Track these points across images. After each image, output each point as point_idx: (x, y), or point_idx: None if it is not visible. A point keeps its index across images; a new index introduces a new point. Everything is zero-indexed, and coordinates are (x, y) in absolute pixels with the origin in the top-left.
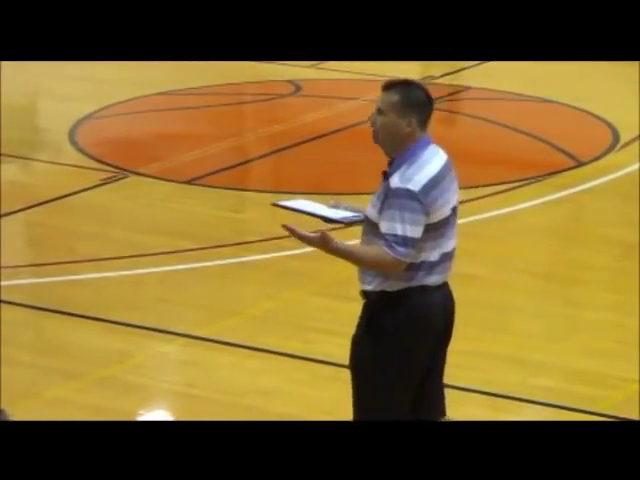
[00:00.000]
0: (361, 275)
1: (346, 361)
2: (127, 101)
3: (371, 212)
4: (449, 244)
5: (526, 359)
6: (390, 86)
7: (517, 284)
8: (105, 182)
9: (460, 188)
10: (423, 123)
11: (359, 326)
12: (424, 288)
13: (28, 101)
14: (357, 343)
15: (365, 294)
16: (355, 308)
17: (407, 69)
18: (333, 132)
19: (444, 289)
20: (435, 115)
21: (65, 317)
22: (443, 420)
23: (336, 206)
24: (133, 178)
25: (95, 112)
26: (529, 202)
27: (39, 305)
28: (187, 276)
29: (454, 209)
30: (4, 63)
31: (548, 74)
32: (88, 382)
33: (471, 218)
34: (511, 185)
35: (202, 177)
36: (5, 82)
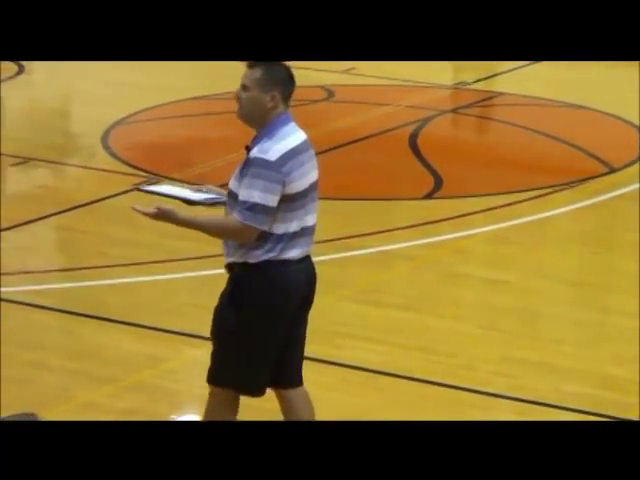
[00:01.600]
0: (225, 248)
1: (378, 366)
2: (159, 106)
3: (233, 184)
4: (309, 218)
5: (558, 365)
6: (254, 64)
7: (550, 290)
8: (137, 187)
9: (493, 194)
10: (285, 99)
11: (222, 297)
12: (285, 261)
13: (60, 105)
14: (220, 313)
15: (229, 266)
16: (387, 314)
17: (439, 75)
18: (365, 138)
19: (306, 262)
20: (468, 120)
21: (97, 322)
22: (299, 389)
23: (199, 189)
24: (165, 183)
25: (128, 117)
26: (562, 208)
27: (71, 309)
28: (220, 281)
29: (313, 185)
30: (36, 67)
31: (581, 80)
32: (120, 387)
33: (504, 224)
34: (544, 191)
35: None
36: (38, 86)
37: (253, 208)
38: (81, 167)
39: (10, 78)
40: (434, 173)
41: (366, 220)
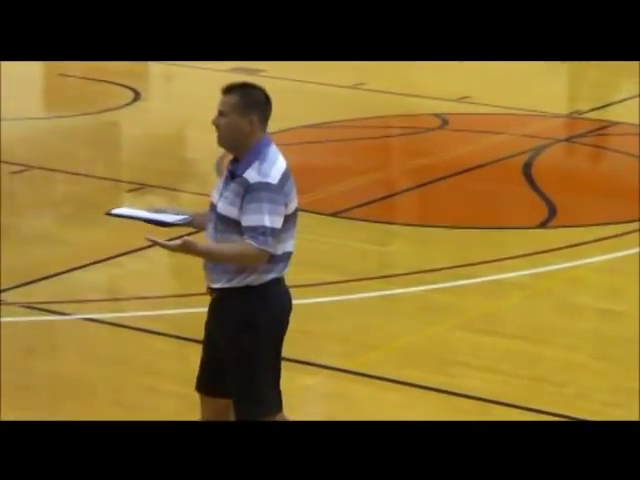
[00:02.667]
0: (211, 274)
1: (490, 395)
2: (273, 134)
3: (228, 209)
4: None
5: None
6: (230, 89)
7: None
8: None
9: (607, 223)
10: (264, 122)
11: (226, 327)
12: (281, 279)
13: (175, 132)
14: (232, 344)
15: (218, 291)
16: (500, 343)
17: (554, 104)
18: (479, 166)
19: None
20: (582, 150)
21: None
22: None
23: (161, 210)
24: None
25: None
26: None
27: (185, 335)
28: (331, 309)
29: (296, 210)
30: (152, 94)
31: None
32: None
33: (617, 254)
34: None
35: (348, 210)
36: (153, 113)
37: (266, 232)
38: (195, 193)
39: (126, 105)
40: (548, 202)
41: (479, 249)
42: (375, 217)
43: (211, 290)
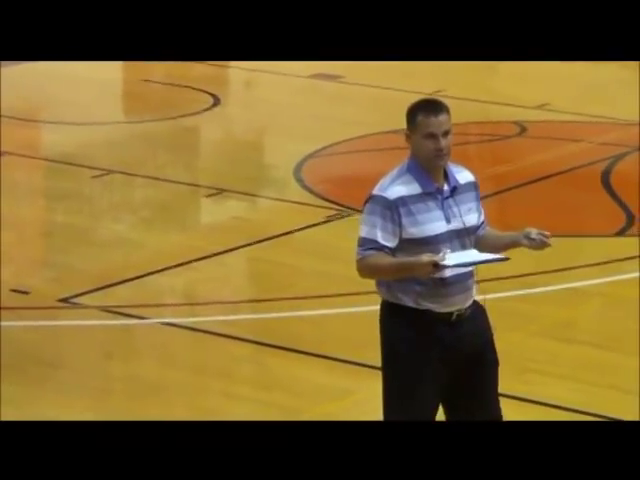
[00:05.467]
0: (471, 291)
1: (568, 404)
2: (352, 139)
3: (475, 218)
4: None
5: None
6: (442, 106)
7: None
8: (329, 219)
9: None
10: None
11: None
12: None
13: (254, 138)
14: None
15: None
16: (578, 351)
17: (632, 112)
18: (558, 174)
19: None
20: None
21: (286, 353)
22: None
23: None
24: (357, 216)
25: (319, 150)
26: None
27: (261, 340)
28: None
29: None
30: (231, 100)
31: None
32: (309, 418)
33: None
34: None
35: None
36: (232, 118)
37: None
38: (273, 199)
39: (206, 110)
40: (626, 210)
41: (557, 256)
42: None
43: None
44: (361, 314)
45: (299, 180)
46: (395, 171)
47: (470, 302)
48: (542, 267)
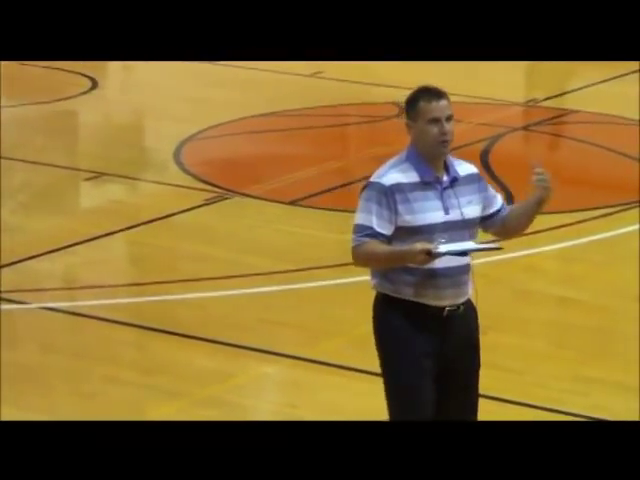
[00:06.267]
0: (465, 287)
1: None
2: (231, 122)
3: (476, 210)
4: None
5: (631, 384)
6: (442, 92)
7: (621, 308)
8: (209, 202)
9: (564, 211)
10: None
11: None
12: None
13: (133, 121)
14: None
15: (464, 303)
16: None
17: (511, 92)
18: None
19: None
20: (539, 138)
21: (168, 336)
22: None
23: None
24: (237, 199)
25: (199, 132)
26: (633, 226)
27: (143, 324)
28: (290, 297)
29: None
30: (109, 82)
31: None
32: (190, 402)
33: (575, 241)
34: (615, 209)
35: (306, 198)
36: (110, 101)
37: None
38: (153, 182)
39: (83, 93)
40: (505, 190)
41: None
42: (333, 205)
43: (457, 306)
44: (242, 297)
45: (178, 163)
46: (393, 159)
47: (464, 299)
48: None
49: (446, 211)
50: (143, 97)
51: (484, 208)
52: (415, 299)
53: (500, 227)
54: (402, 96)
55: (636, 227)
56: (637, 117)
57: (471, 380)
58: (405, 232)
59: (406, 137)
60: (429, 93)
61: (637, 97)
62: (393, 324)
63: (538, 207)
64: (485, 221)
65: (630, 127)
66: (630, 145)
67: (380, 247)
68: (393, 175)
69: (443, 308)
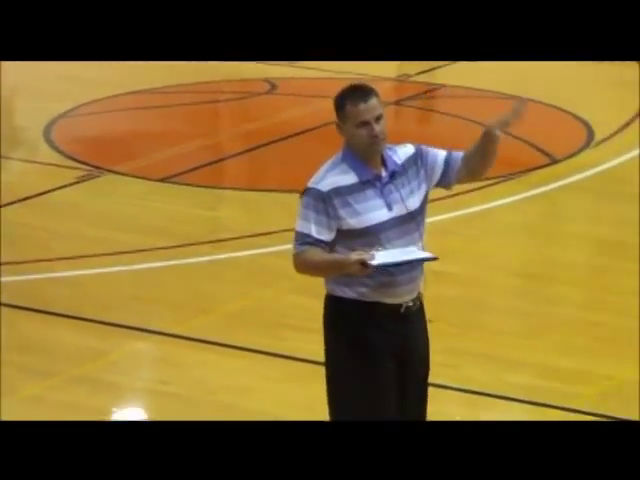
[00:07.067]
0: (419, 281)
1: (321, 358)
2: (102, 100)
3: (421, 196)
4: None
5: (501, 356)
6: (371, 91)
7: (492, 281)
8: (80, 180)
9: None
10: None
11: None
12: None
13: (4, 99)
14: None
15: (418, 299)
16: None
17: (382, 67)
18: (308, 130)
19: None
20: (410, 112)
21: (40, 315)
22: None
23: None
24: (108, 176)
25: (70, 110)
26: (504, 199)
27: (14, 303)
28: (162, 274)
29: None
30: None
31: (522, 72)
32: (63, 380)
33: (447, 215)
34: (486, 183)
35: (177, 175)
36: None
37: None
38: (24, 161)
39: None
40: None
41: None
42: (204, 182)
43: (413, 302)
44: (114, 274)
45: (49, 141)
46: (330, 161)
47: (416, 294)
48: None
49: (389, 207)
50: (13, 75)
51: (432, 175)
52: (371, 299)
53: (464, 171)
54: (273, 72)
55: (506, 201)
56: (508, 91)
57: (424, 379)
58: (352, 235)
59: (279, 114)
60: (355, 94)
61: (509, 71)
62: (347, 326)
63: (490, 140)
64: (444, 180)
65: (501, 101)
66: None
67: (318, 256)
68: (330, 179)
69: (400, 305)
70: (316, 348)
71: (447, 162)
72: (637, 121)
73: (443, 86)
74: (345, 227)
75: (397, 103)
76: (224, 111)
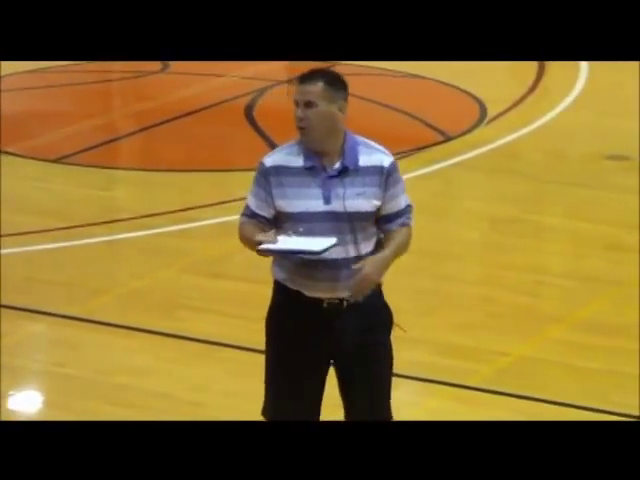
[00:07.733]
0: (339, 284)
1: (218, 338)
2: None
3: (363, 204)
4: None
5: (398, 334)
6: (311, 76)
7: (396, 261)
8: None
9: None
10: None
11: (374, 332)
12: None
13: None
14: (384, 348)
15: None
16: (226, 286)
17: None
18: (202, 109)
19: None
20: None
21: None
22: None
23: (297, 236)
24: (0, 157)
25: None
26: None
27: None
28: (56, 255)
29: None
30: None
31: None
32: None
33: None
34: None
35: (70, 156)
36: None
37: (412, 210)
38: None
39: None
40: (271, 144)
41: (205, 191)
42: (98, 162)
43: (341, 300)
44: (10, 256)
45: None
46: (289, 142)
47: (344, 295)
48: (191, 202)
49: (326, 200)
50: None
51: (381, 207)
52: (294, 286)
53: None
54: None
55: (403, 177)
56: (400, 68)
57: (370, 380)
58: (285, 218)
59: (172, 93)
60: (304, 75)
61: None
62: (275, 308)
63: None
64: (377, 224)
65: (394, 78)
66: (394, 96)
67: (247, 230)
68: (277, 156)
69: (322, 300)
70: (211, 328)
71: (388, 222)
72: (530, 97)
73: (337, 63)
74: (278, 208)
75: (290, 82)
76: (117, 90)
